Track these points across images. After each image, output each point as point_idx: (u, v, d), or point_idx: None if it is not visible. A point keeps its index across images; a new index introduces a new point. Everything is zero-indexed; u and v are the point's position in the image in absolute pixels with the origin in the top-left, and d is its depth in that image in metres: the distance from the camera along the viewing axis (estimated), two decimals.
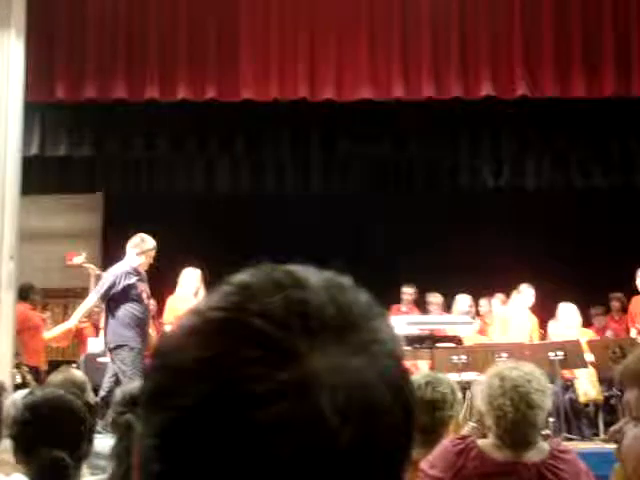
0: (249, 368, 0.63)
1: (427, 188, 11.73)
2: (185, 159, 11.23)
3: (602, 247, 11.66)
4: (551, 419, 9.03)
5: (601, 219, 12.08)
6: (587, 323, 9.98)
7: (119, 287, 8.06)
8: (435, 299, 10.37)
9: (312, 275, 0.69)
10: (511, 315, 9.81)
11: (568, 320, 9.36)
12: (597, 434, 8.60)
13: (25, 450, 2.44)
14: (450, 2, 9.98)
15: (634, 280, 9.30)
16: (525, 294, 9.73)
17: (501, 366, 3.34)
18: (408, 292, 10.83)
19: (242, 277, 0.70)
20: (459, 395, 3.91)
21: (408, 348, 8.61)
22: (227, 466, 0.63)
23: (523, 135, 10.84)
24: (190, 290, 9.08)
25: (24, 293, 9.22)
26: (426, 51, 9.91)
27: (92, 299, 8.33)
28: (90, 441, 2.55)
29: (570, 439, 8.54)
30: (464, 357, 8.60)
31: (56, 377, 4.92)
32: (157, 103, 9.94)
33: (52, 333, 9.30)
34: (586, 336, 9.34)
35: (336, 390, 0.63)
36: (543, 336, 9.70)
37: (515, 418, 3.19)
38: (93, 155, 10.79)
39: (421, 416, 3.60)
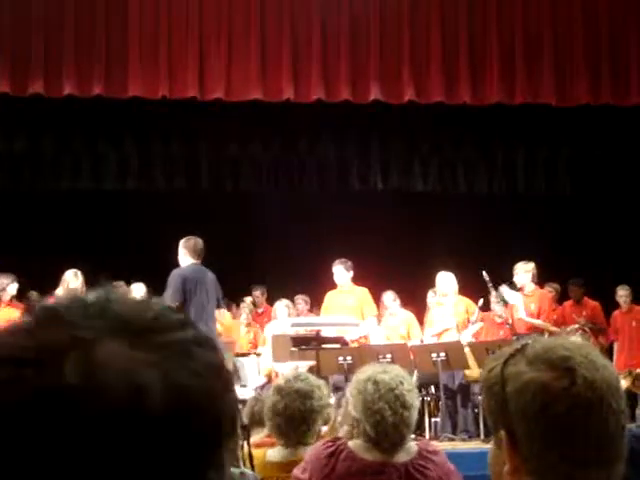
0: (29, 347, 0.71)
1: (317, 188, 11.78)
2: (71, 156, 10.97)
3: (486, 249, 11.90)
4: (435, 419, 9.23)
5: (488, 223, 12.34)
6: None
7: None
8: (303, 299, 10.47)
9: (125, 293, 0.79)
10: (390, 319, 9.98)
11: (442, 287, 9.52)
12: (479, 434, 8.75)
13: None
14: (340, 6, 10.07)
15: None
16: (386, 299, 9.94)
17: (370, 370, 3.37)
18: (256, 294, 11.01)
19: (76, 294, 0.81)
20: (327, 391, 3.99)
21: (294, 349, 8.63)
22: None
23: (411, 139, 11.01)
24: (74, 292, 8.92)
25: None
26: (316, 54, 9.97)
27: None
28: None
29: (452, 439, 8.71)
30: (349, 358, 8.67)
31: None
32: (42, 98, 9.72)
33: None
34: (463, 303, 9.50)
35: (104, 368, 0.70)
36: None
37: (394, 420, 3.23)
38: None
39: (292, 404, 3.68)
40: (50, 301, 0.77)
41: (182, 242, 8.38)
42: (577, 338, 9.28)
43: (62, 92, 9.64)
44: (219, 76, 9.81)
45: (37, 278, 9.67)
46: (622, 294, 10.47)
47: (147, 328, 0.74)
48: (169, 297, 8.06)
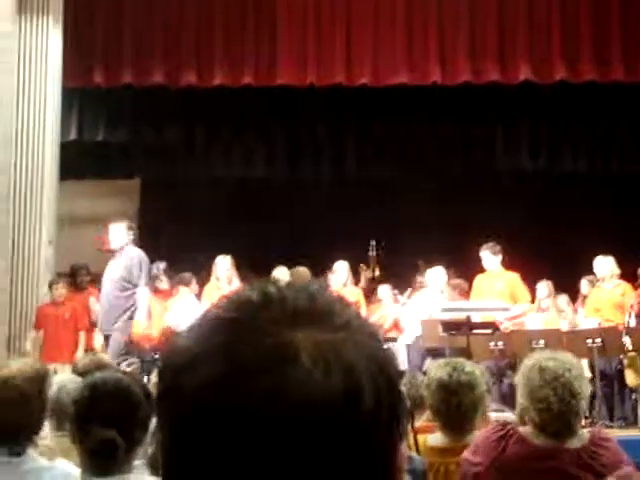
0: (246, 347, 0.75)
1: (463, 171, 11.64)
2: (222, 145, 11.23)
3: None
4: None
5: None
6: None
7: None
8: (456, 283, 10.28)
9: (293, 283, 0.83)
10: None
11: (600, 271, 9.27)
12: (636, 422, 8.48)
13: (79, 429, 2.46)
14: None
15: None
16: (540, 290, 9.71)
17: (538, 357, 3.32)
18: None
19: (242, 291, 0.83)
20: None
21: (444, 334, 8.58)
22: (234, 429, 0.73)
23: (561, 120, 10.75)
24: (223, 277, 9.12)
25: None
26: (463, 36, 9.85)
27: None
28: (146, 427, 2.53)
29: (610, 426, 8.46)
30: (500, 343, 8.58)
31: (83, 360, 5.03)
32: (194, 89, 9.98)
33: None
34: (620, 288, 9.23)
35: (315, 354, 0.75)
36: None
37: (560, 409, 3.18)
38: (130, 140, 10.84)
39: (463, 398, 3.65)
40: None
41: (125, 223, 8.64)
42: None
43: (213, 82, 9.87)
44: (366, 61, 9.83)
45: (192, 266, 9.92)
46: None
47: (328, 312, 0.79)
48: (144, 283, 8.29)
